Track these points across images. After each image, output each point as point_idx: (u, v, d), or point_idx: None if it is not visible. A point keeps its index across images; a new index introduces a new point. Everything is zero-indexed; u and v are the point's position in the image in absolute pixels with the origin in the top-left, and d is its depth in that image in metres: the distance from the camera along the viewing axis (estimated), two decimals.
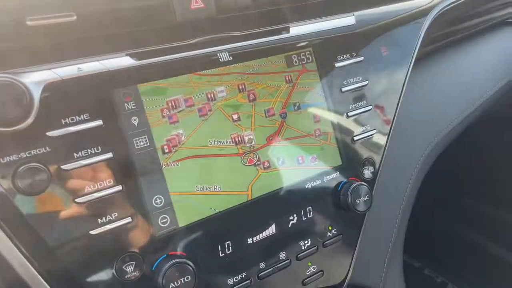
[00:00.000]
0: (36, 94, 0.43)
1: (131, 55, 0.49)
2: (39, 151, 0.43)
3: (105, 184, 0.46)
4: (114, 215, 0.46)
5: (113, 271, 0.46)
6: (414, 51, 0.69)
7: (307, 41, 0.59)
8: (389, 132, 0.66)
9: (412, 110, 0.74)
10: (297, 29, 0.59)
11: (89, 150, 0.45)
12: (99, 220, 0.45)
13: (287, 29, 0.59)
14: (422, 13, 0.71)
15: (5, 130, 0.41)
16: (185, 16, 0.52)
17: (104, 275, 0.46)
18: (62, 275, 0.44)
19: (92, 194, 0.45)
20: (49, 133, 0.43)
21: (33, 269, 0.43)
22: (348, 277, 0.63)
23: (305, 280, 0.59)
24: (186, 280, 0.47)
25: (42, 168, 0.42)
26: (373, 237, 0.66)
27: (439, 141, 0.77)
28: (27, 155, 0.42)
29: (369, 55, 0.64)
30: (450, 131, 0.79)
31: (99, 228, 0.45)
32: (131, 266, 0.47)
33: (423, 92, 0.79)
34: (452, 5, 0.75)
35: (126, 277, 0.46)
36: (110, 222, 0.46)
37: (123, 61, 0.48)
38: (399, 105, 0.66)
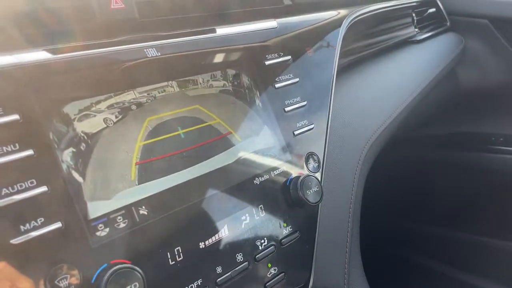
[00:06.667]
0: None
1: (50, 51, 0.45)
2: None
3: (27, 185, 0.39)
4: (40, 220, 0.39)
5: (46, 286, 0.38)
6: (336, 54, 0.73)
7: (234, 42, 0.59)
8: (327, 128, 0.66)
9: (347, 111, 0.76)
10: (223, 30, 0.59)
11: (4, 147, 0.39)
12: (21, 227, 0.38)
13: (213, 31, 0.58)
14: (338, 22, 0.77)
15: None
16: (105, 17, 0.50)
17: None
18: None
19: (11, 197, 0.38)
20: None
21: None
22: (312, 280, 0.59)
23: (267, 284, 0.53)
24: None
25: None
26: (330, 235, 0.63)
27: (374, 141, 0.79)
28: None
29: (296, 55, 0.66)
30: (382, 133, 0.81)
31: (21, 237, 0.38)
32: (65, 280, 0.39)
33: (352, 100, 0.82)
34: (360, 17, 0.83)
35: None
36: (35, 228, 0.39)
37: (41, 55, 0.44)
38: (331, 101, 0.68)
